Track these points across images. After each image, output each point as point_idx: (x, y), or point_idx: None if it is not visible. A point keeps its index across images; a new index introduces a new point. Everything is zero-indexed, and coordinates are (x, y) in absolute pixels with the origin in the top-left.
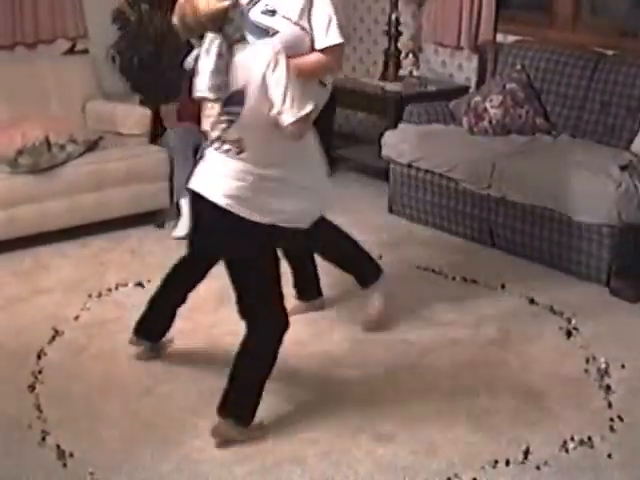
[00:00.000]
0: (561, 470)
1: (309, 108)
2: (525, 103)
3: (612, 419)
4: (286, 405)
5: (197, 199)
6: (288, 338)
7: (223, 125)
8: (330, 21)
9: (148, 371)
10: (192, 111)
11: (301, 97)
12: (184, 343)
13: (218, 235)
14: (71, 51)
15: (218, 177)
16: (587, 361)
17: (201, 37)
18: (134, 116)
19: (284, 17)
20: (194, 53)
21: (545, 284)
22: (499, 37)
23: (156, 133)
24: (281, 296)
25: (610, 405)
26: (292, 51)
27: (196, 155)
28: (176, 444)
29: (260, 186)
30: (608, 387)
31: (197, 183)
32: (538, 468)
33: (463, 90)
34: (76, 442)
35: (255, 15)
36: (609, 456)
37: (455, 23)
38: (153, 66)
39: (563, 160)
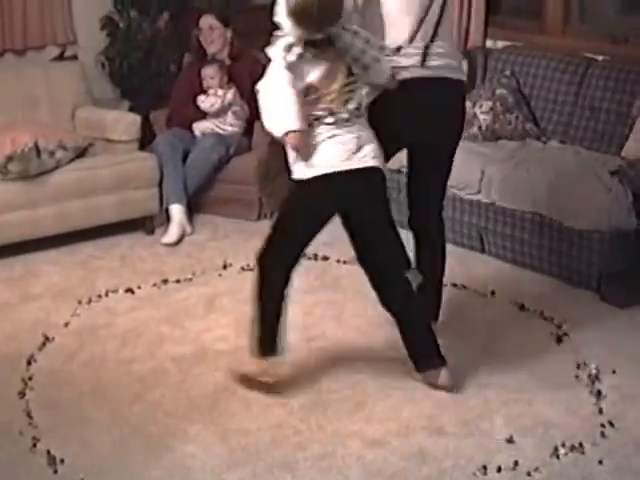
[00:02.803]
0: (552, 476)
1: None
2: (515, 109)
3: (603, 425)
4: (276, 410)
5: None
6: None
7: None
8: None
9: (138, 377)
10: (182, 115)
11: None
12: (173, 348)
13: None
14: (60, 57)
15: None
16: (578, 367)
17: None
18: (123, 122)
19: None
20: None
21: (535, 290)
22: (489, 43)
23: (145, 139)
24: None
25: (601, 411)
26: None
27: (185, 161)
28: (166, 450)
29: None
30: (599, 393)
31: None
32: (529, 474)
33: None
34: (67, 448)
35: None
36: (600, 462)
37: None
38: (142, 72)
39: (553, 166)
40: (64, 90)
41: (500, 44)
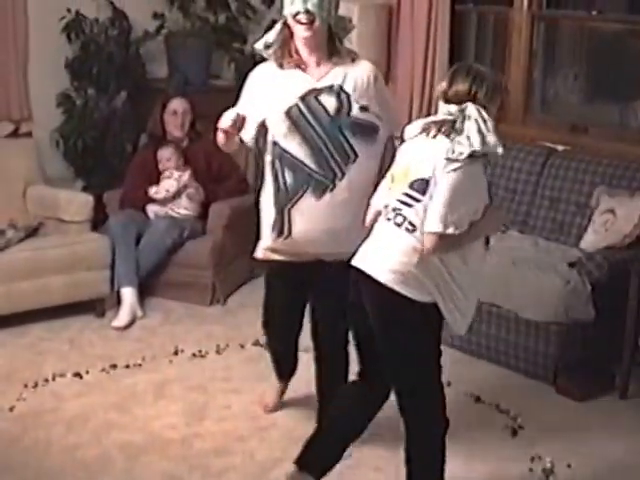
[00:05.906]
0: None
1: (451, 230)
2: None
3: None
4: None
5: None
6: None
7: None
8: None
9: (83, 464)
10: (135, 198)
11: (458, 216)
12: (121, 436)
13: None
14: (15, 134)
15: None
16: (532, 460)
17: None
18: (76, 203)
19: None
20: None
21: (491, 382)
22: None
23: (99, 219)
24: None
25: None
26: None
27: (138, 243)
28: None
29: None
30: None
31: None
32: None
33: None
34: None
35: (355, 113)
36: None
37: (404, 118)
38: (97, 151)
39: (511, 256)
40: (17, 167)
41: None
